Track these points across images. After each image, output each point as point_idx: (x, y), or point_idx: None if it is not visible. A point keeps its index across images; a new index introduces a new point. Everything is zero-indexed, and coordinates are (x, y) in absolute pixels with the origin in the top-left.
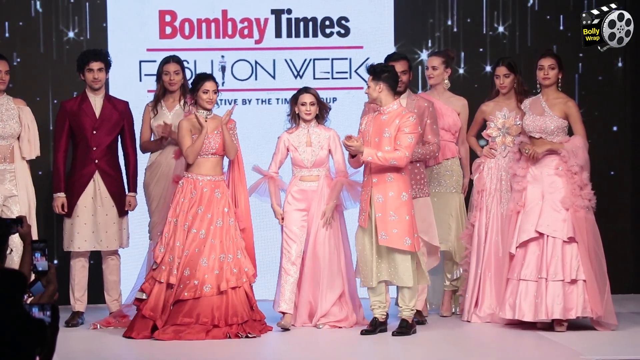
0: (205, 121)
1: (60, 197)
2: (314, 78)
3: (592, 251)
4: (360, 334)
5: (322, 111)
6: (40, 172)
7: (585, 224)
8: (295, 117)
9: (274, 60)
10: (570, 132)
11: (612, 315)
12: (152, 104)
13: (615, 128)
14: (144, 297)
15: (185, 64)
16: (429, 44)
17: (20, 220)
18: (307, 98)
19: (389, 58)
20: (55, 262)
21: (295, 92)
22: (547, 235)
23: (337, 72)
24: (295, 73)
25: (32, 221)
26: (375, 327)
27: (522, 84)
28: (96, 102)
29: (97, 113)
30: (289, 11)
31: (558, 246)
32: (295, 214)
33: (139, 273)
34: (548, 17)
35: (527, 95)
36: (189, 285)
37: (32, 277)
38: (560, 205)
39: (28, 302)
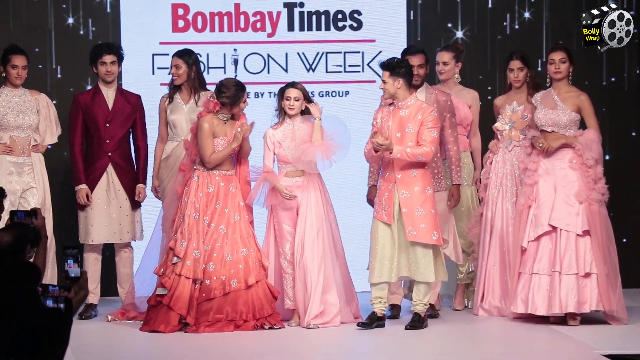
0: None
1: (83, 189)
2: (327, 71)
3: (604, 245)
4: (356, 325)
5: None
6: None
7: (598, 217)
8: (282, 112)
9: (286, 54)
10: (582, 126)
11: (623, 310)
12: (168, 96)
13: (623, 123)
14: (165, 292)
15: (198, 57)
16: (442, 38)
17: (35, 213)
18: (292, 93)
19: (406, 52)
20: None
21: (283, 85)
22: (560, 229)
23: (349, 66)
24: (308, 66)
25: (48, 213)
26: (373, 321)
27: (535, 77)
28: (109, 95)
29: (110, 106)
30: (302, 4)
31: (572, 240)
32: (283, 212)
33: (142, 259)
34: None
35: (539, 90)
36: (216, 282)
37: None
38: (573, 199)
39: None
